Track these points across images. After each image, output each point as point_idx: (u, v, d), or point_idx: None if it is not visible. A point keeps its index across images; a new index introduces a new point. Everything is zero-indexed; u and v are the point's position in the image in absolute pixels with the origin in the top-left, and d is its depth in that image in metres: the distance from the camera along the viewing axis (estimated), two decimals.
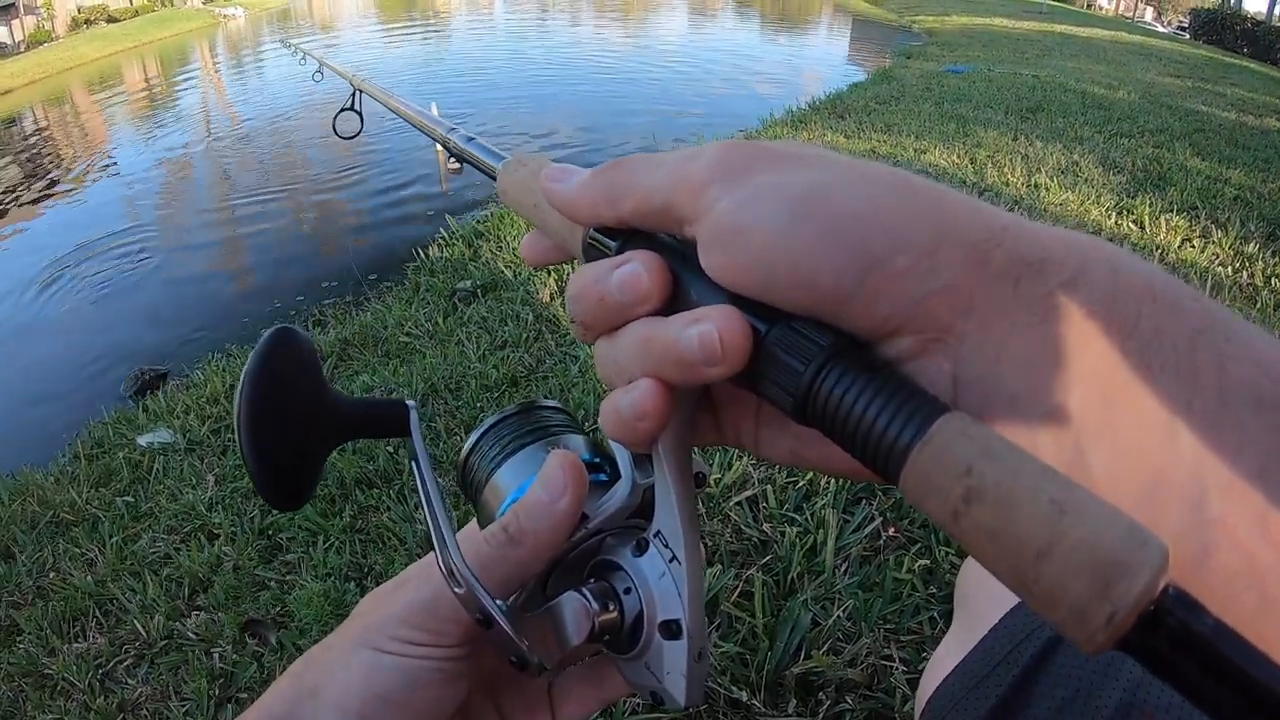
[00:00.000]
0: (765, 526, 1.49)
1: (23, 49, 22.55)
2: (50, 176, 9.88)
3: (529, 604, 0.33)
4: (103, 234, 7.11)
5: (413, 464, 0.33)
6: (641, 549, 0.32)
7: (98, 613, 1.99)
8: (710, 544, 1.47)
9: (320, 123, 9.81)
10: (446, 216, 4.81)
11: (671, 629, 0.31)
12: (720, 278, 0.25)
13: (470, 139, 0.44)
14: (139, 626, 1.88)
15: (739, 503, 1.55)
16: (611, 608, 0.32)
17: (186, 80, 16.69)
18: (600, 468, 0.37)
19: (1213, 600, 0.17)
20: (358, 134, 0.93)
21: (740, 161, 0.26)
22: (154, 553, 2.16)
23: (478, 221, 4.42)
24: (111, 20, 26.22)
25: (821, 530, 1.46)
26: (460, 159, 0.46)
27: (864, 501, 1.55)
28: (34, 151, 11.50)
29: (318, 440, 0.31)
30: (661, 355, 0.25)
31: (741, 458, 1.66)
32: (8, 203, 8.80)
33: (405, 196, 6.98)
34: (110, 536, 2.28)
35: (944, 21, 17.94)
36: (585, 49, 16.11)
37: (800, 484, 1.60)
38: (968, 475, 0.19)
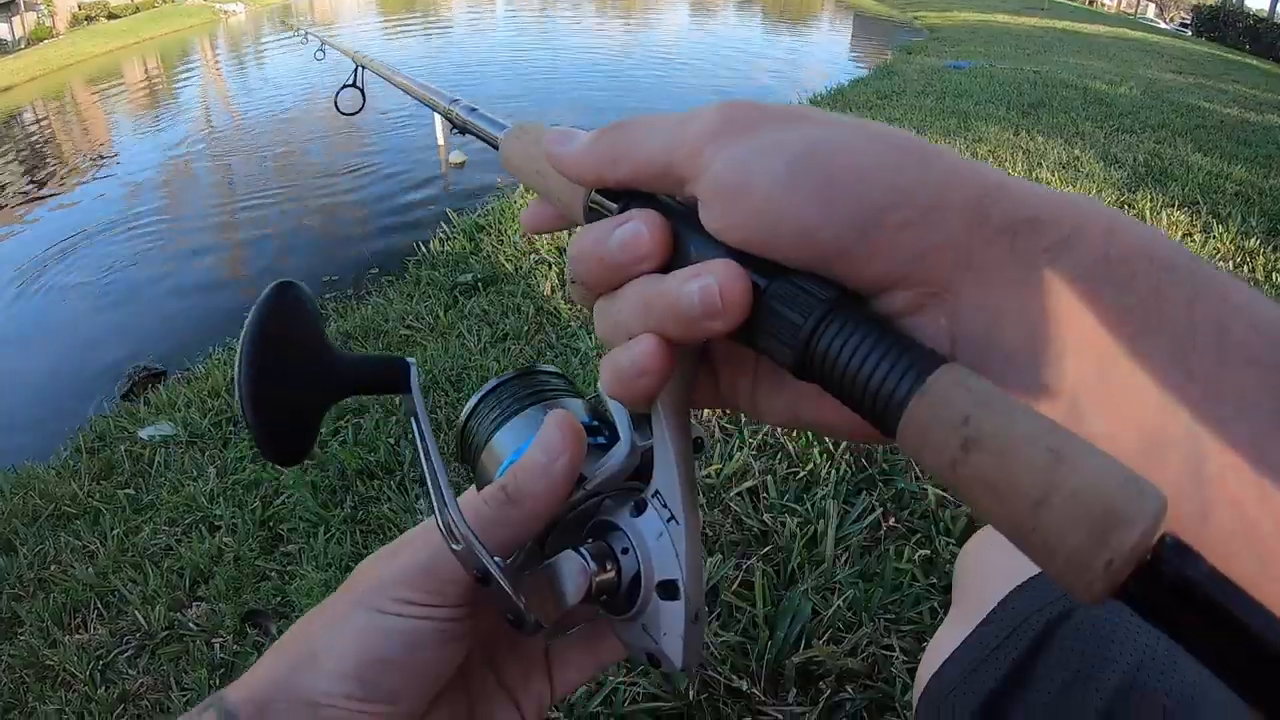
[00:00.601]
0: (765, 517, 1.49)
1: (23, 46, 22.53)
2: (51, 173, 9.88)
3: (527, 564, 0.33)
4: (102, 230, 7.12)
5: (411, 421, 0.33)
6: (639, 509, 0.32)
7: (99, 604, 2.00)
8: (711, 534, 1.47)
9: (322, 118, 9.80)
10: (448, 210, 4.80)
11: (669, 589, 0.31)
12: (720, 233, 0.25)
13: (472, 110, 0.45)
14: (140, 618, 1.88)
15: (739, 493, 1.55)
16: (609, 567, 0.32)
17: (187, 76, 16.70)
18: (599, 430, 0.37)
19: (1211, 560, 0.17)
20: (360, 110, 0.92)
21: (740, 119, 0.26)
22: (155, 544, 2.17)
23: (479, 215, 4.42)
24: (112, 16, 26.20)
25: (822, 520, 1.46)
26: (463, 129, 0.46)
27: (864, 492, 1.55)
28: (35, 148, 11.50)
29: (318, 394, 0.31)
30: (662, 311, 0.26)
31: (742, 448, 1.66)
32: (6, 201, 8.80)
33: (406, 191, 6.98)
34: (111, 529, 2.28)
35: (946, 17, 17.91)
36: (587, 45, 16.10)
37: (801, 475, 1.60)
38: (965, 425, 0.19)
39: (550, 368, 0.41)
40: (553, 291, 3.01)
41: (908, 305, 0.24)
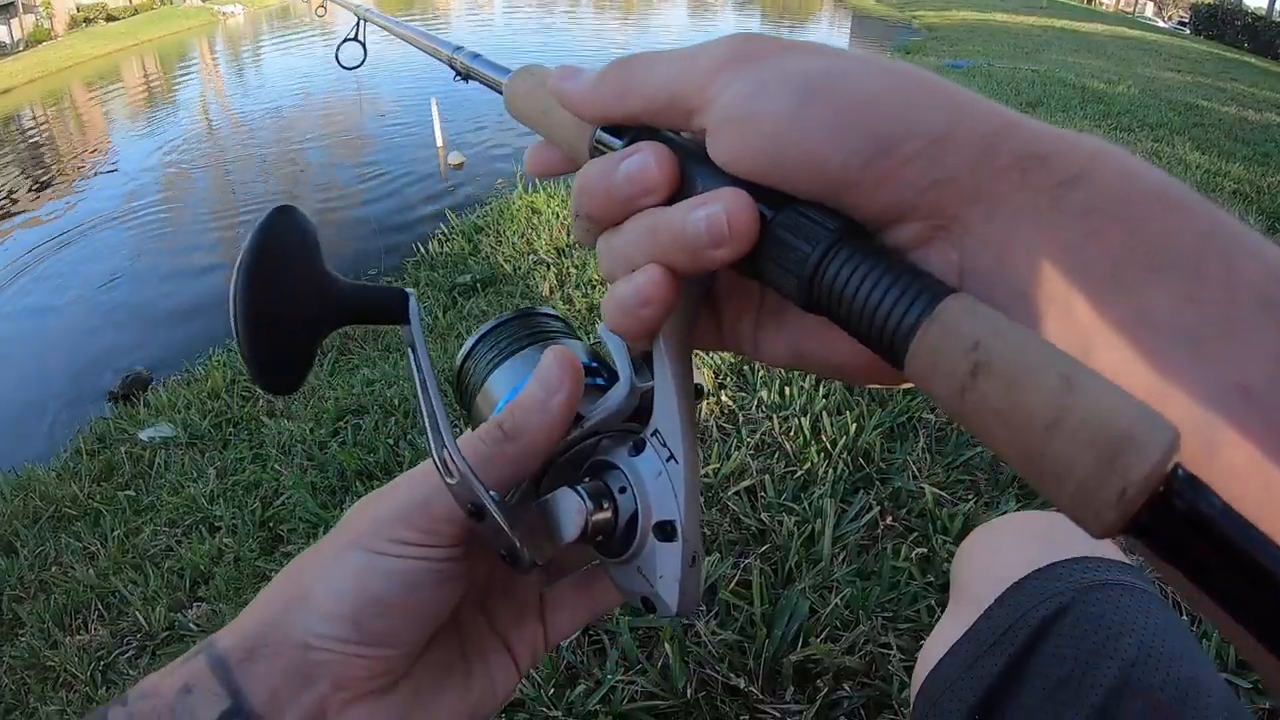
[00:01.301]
0: (763, 516, 1.49)
1: (22, 48, 22.52)
2: (48, 176, 9.88)
3: (522, 504, 0.32)
4: (101, 234, 7.12)
5: (409, 351, 0.32)
6: (638, 448, 0.32)
7: (99, 605, 2.00)
8: (709, 533, 1.47)
9: (321, 120, 9.80)
10: (446, 211, 4.82)
11: (666, 530, 0.30)
12: (728, 163, 0.25)
13: (476, 56, 0.44)
14: (140, 619, 1.89)
15: (737, 492, 1.55)
16: (606, 506, 0.31)
17: (186, 78, 16.70)
18: (598, 372, 0.36)
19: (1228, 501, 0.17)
20: (361, 64, 0.90)
21: (750, 50, 0.26)
22: (155, 545, 2.17)
23: (477, 216, 4.42)
24: (110, 19, 26.18)
25: (819, 519, 1.46)
26: (467, 76, 0.45)
27: (861, 491, 1.55)
28: (33, 151, 11.49)
29: (315, 320, 0.29)
30: (668, 241, 0.25)
31: (740, 448, 1.66)
32: (4, 204, 8.80)
33: (405, 192, 6.98)
34: (112, 530, 2.29)
35: (944, 16, 17.91)
36: (586, 46, 16.10)
37: (798, 474, 1.60)
38: (975, 350, 0.19)
39: (549, 309, 0.40)
40: (551, 292, 3.01)
41: (916, 238, 0.24)
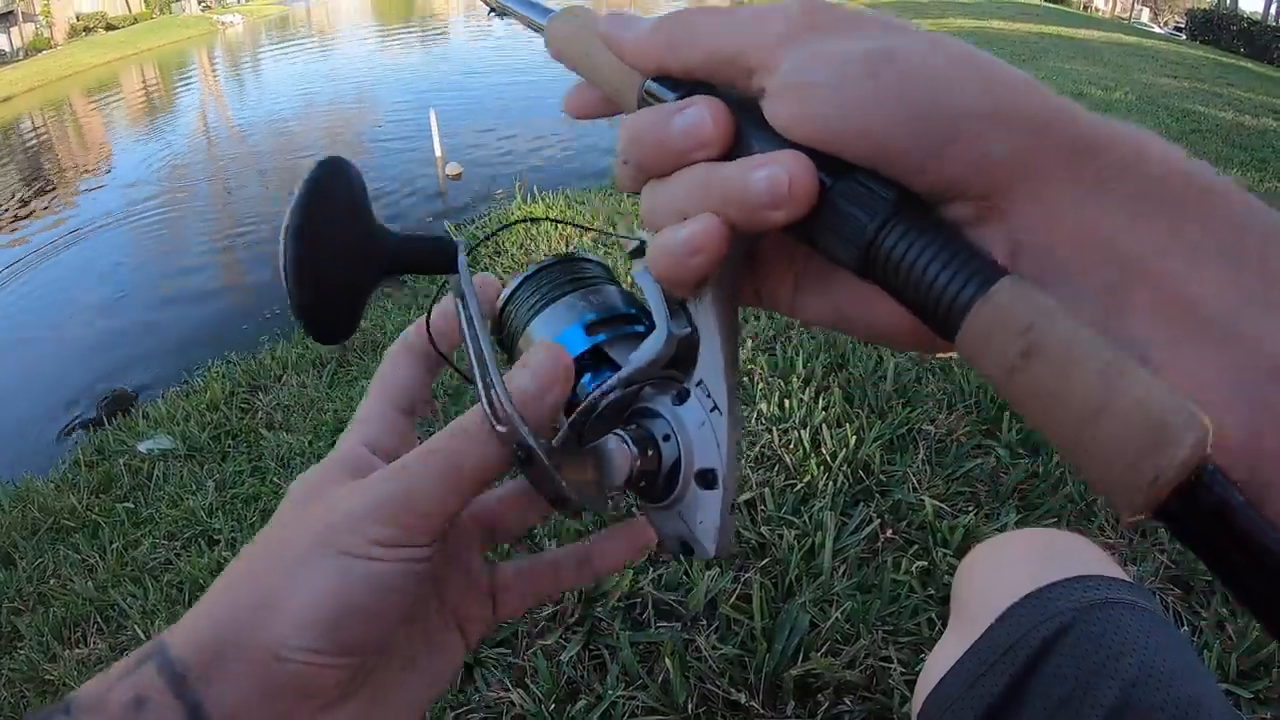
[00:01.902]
0: (763, 529, 1.49)
1: (22, 56, 22.59)
2: (47, 184, 9.89)
3: (569, 449, 0.32)
4: (100, 241, 7.12)
5: (458, 302, 0.32)
6: (682, 398, 0.32)
7: (98, 619, 1.99)
8: None
9: (320, 130, 9.81)
10: (446, 223, 4.83)
11: (708, 478, 0.31)
12: (788, 129, 0.25)
13: None
14: (140, 632, 1.88)
15: (737, 506, 1.55)
16: (650, 453, 0.32)
17: (185, 87, 16.75)
18: (637, 320, 0.36)
19: (1265, 484, 0.18)
20: None
21: (820, 19, 0.26)
22: (154, 558, 2.16)
23: (476, 226, 4.43)
24: (110, 28, 26.27)
25: (820, 532, 1.46)
26: (503, 14, 0.45)
27: (862, 504, 1.55)
28: (33, 158, 11.51)
29: (365, 269, 0.29)
30: (724, 196, 0.26)
31: (740, 460, 1.66)
32: (5, 212, 8.81)
33: (404, 202, 7.00)
34: (111, 542, 2.28)
35: (941, 24, 17.94)
36: None
37: (798, 487, 1.60)
38: (1028, 332, 0.20)
39: (590, 255, 0.40)
40: None
41: (968, 216, 0.24)
